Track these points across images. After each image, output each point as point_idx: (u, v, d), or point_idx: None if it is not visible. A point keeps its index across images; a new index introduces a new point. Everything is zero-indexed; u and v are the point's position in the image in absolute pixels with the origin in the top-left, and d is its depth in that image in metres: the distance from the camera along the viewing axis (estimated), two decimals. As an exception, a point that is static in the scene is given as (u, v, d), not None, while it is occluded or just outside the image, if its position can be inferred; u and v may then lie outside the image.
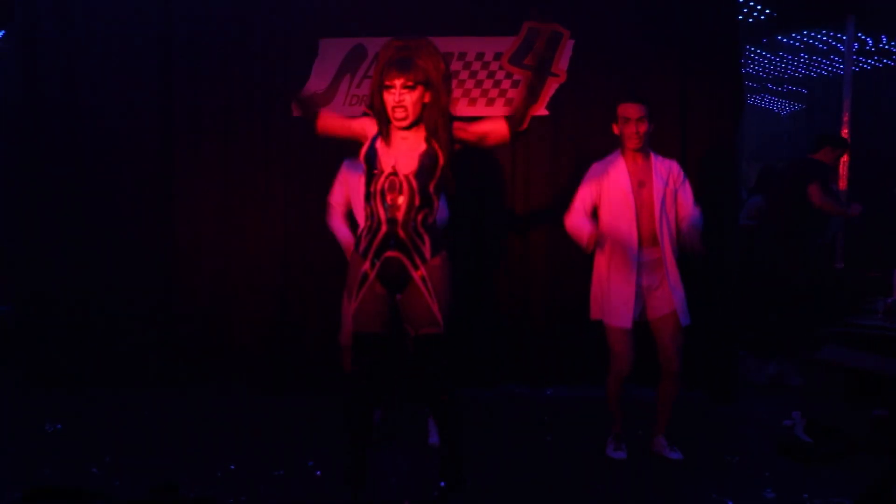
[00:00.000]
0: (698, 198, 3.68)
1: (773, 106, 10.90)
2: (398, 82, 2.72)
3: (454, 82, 4.64)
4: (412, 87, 2.73)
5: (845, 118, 5.48)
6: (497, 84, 4.70)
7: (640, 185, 3.52)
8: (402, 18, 4.68)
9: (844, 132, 5.46)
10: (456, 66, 4.69)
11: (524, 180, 4.73)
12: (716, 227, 4.58)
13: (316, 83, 4.68)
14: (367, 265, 2.82)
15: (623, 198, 3.51)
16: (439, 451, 2.97)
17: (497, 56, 4.68)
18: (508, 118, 2.90)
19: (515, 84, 4.67)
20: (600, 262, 3.62)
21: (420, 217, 2.80)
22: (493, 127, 2.90)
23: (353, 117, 2.99)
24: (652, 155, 3.59)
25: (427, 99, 2.76)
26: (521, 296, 4.73)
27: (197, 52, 4.77)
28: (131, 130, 4.78)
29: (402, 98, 2.73)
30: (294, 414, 4.26)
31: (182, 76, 4.78)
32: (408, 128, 2.79)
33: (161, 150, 4.79)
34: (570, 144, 4.61)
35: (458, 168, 4.62)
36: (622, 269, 3.51)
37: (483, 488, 3.23)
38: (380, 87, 2.77)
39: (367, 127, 2.88)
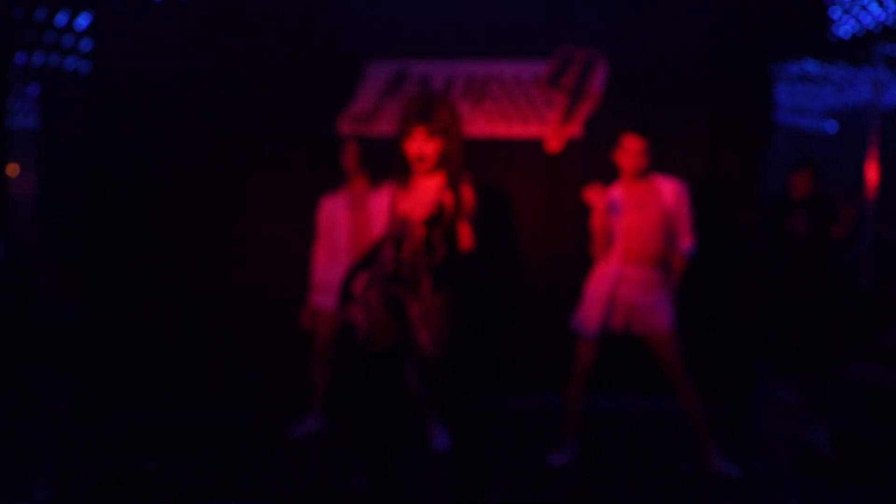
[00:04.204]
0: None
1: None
2: (420, 132, 2.94)
3: (491, 103, 4.86)
4: (432, 137, 2.95)
5: (873, 138, 5.50)
6: (533, 106, 4.86)
7: (640, 205, 3.62)
8: (442, 42, 4.89)
9: (873, 162, 5.47)
10: (494, 87, 4.87)
11: (557, 199, 4.85)
12: (738, 244, 4.69)
13: (361, 105, 4.91)
14: (374, 293, 3.11)
15: (620, 217, 3.62)
16: (457, 466, 3.12)
17: (533, 78, 4.85)
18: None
19: (551, 106, 4.82)
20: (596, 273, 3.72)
21: (423, 262, 3.04)
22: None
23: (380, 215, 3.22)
24: (654, 177, 3.67)
25: (446, 149, 2.98)
26: (551, 304, 4.84)
27: (250, 75, 5.00)
28: (190, 150, 5.05)
29: (423, 146, 2.95)
30: (342, 417, 4.41)
31: (236, 100, 5.02)
32: (428, 173, 3.02)
33: (216, 168, 5.04)
34: (603, 166, 4.71)
35: (492, 192, 4.88)
36: (622, 280, 3.63)
37: (509, 499, 3.32)
38: (402, 136, 2.99)
39: (382, 199, 3.15)
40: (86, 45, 6.71)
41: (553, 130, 4.82)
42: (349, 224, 4.07)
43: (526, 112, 4.86)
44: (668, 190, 3.66)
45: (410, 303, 3.06)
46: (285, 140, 5.03)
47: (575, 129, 4.79)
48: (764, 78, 4.72)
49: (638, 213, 3.62)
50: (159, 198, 5.06)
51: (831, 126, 9.82)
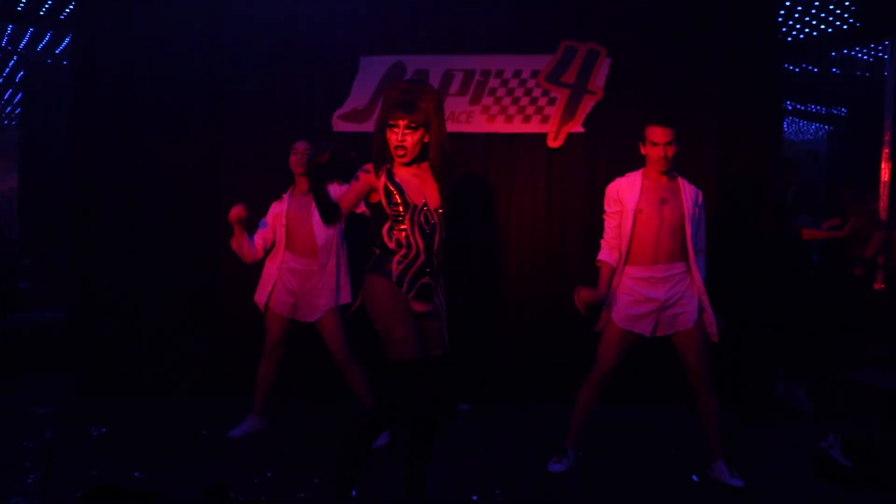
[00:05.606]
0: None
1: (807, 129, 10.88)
2: (402, 123, 2.89)
3: (490, 99, 4.76)
4: (414, 129, 2.89)
5: (886, 137, 5.45)
6: (534, 101, 4.76)
7: (663, 202, 3.48)
8: (439, 36, 4.79)
9: (885, 152, 5.43)
10: (493, 83, 4.77)
11: (560, 196, 4.78)
12: (749, 248, 4.60)
13: (356, 100, 4.80)
14: (403, 291, 2.94)
15: (636, 215, 3.47)
16: (407, 467, 3.07)
17: (534, 74, 4.75)
18: None
19: (552, 101, 4.73)
20: (623, 273, 3.56)
21: (443, 248, 3.01)
22: None
23: (352, 182, 2.98)
24: (680, 179, 3.55)
25: (427, 139, 2.93)
26: (554, 309, 4.76)
27: (244, 70, 4.89)
28: (182, 149, 4.91)
29: (403, 137, 2.89)
30: (336, 420, 4.33)
31: (230, 97, 4.90)
32: (408, 164, 2.95)
33: (208, 167, 4.91)
34: (606, 161, 4.66)
35: (492, 190, 4.77)
36: (642, 281, 3.50)
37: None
38: (384, 126, 2.93)
39: (368, 178, 2.96)
40: (69, 38, 6.56)
41: (554, 127, 4.72)
42: (291, 224, 4.01)
43: (527, 108, 4.76)
44: (690, 194, 3.52)
45: (435, 295, 3.00)
46: (280, 138, 4.90)
47: (577, 126, 4.70)
48: (770, 74, 4.64)
49: (658, 210, 3.47)
50: (148, 198, 4.93)
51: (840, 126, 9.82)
